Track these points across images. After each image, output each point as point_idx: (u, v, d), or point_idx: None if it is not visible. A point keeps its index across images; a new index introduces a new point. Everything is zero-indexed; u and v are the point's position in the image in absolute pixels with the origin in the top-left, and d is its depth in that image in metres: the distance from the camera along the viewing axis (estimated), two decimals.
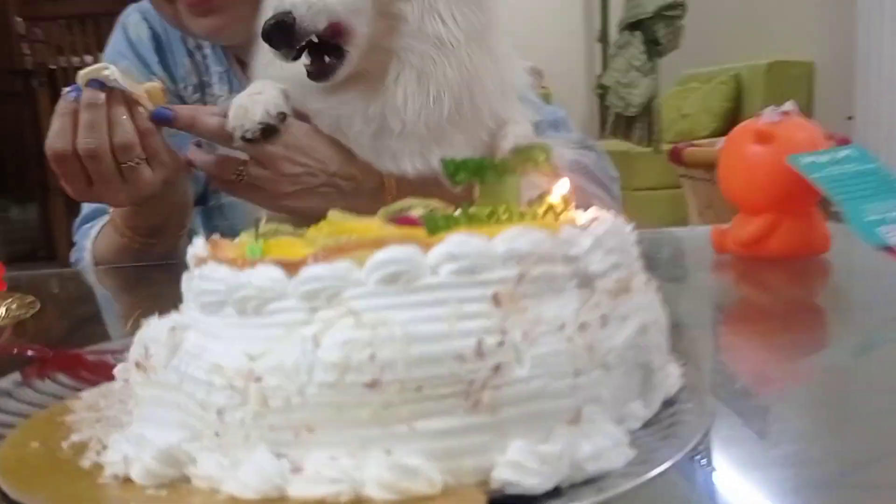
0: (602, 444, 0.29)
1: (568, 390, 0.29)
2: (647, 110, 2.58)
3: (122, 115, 0.74)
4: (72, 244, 1.03)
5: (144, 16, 1.04)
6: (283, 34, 0.67)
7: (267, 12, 0.69)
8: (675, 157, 2.50)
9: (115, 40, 1.05)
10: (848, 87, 3.57)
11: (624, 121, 2.61)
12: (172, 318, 0.33)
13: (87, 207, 1.01)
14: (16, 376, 0.41)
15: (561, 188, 0.37)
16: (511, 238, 0.30)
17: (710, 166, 2.50)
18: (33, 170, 5.28)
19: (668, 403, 0.35)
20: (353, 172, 0.77)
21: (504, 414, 0.28)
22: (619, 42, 2.60)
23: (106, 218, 0.93)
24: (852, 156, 0.72)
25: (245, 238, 0.37)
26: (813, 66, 4.27)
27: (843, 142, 2.60)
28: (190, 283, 0.33)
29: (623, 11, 2.58)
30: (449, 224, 0.33)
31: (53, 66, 3.78)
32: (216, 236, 0.38)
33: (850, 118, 3.31)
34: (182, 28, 0.97)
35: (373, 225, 0.37)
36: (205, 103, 1.01)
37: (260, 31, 0.68)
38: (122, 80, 0.73)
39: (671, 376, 0.37)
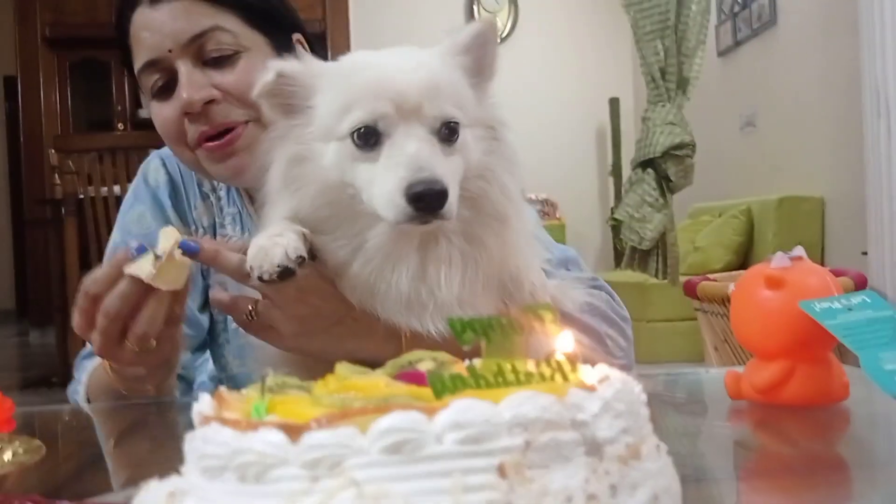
0: None
1: None
2: (662, 244, 2.61)
3: (159, 314, 0.75)
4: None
5: (164, 161, 1.09)
6: (438, 202, 0.66)
7: (397, 171, 0.67)
8: (690, 290, 2.50)
9: (136, 186, 1.10)
10: (860, 222, 3.60)
11: (639, 254, 2.64)
12: (172, 481, 0.32)
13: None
14: None
15: (566, 344, 0.37)
16: (517, 404, 0.30)
17: (724, 301, 2.50)
18: (55, 295, 5.37)
19: None
20: (366, 317, 0.76)
21: None
22: (632, 179, 2.67)
23: None
24: (867, 302, 0.72)
25: (251, 393, 0.37)
26: (823, 201, 4.34)
27: (859, 277, 2.58)
28: (192, 443, 0.32)
29: (634, 151, 2.67)
30: (455, 386, 0.33)
31: (82, 196, 3.92)
32: (222, 388, 0.38)
33: (864, 253, 3.32)
34: (202, 173, 1.01)
35: (380, 382, 0.37)
36: (215, 233, 1.05)
37: (400, 189, 0.66)
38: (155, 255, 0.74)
39: None
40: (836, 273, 2.60)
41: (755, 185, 4.97)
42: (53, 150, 4.23)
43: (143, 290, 0.73)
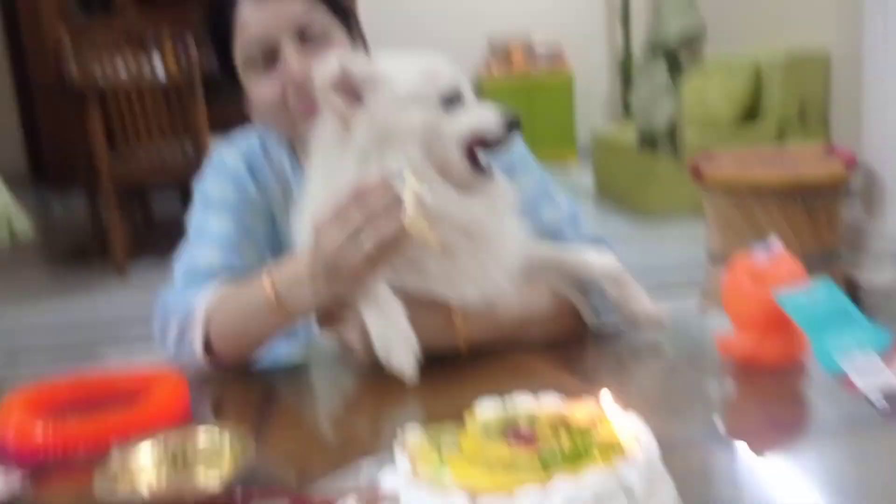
0: None
1: None
2: (672, 127, 2.79)
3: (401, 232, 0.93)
4: (132, 244, 1.22)
5: (236, 149, 1.30)
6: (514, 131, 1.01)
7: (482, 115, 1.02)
8: (695, 174, 2.71)
9: (212, 166, 1.29)
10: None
11: (650, 137, 2.83)
12: None
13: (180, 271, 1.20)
14: None
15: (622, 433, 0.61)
16: (593, 478, 0.56)
17: (727, 185, 2.71)
18: (78, 157, 5.54)
19: None
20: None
21: None
22: (643, 65, 2.80)
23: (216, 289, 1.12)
24: (824, 292, 0.96)
25: (425, 450, 0.62)
26: (829, 57, 4.41)
27: (849, 157, 2.77)
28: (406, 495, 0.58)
29: (648, 37, 2.78)
30: (555, 461, 0.58)
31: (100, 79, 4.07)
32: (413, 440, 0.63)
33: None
34: (292, 132, 1.22)
35: (503, 448, 0.62)
36: (287, 205, 1.21)
37: (501, 120, 1.00)
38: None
39: None
40: (830, 151, 2.80)
41: (764, 38, 5.00)
42: (68, 38, 4.31)
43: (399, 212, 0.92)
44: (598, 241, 1.22)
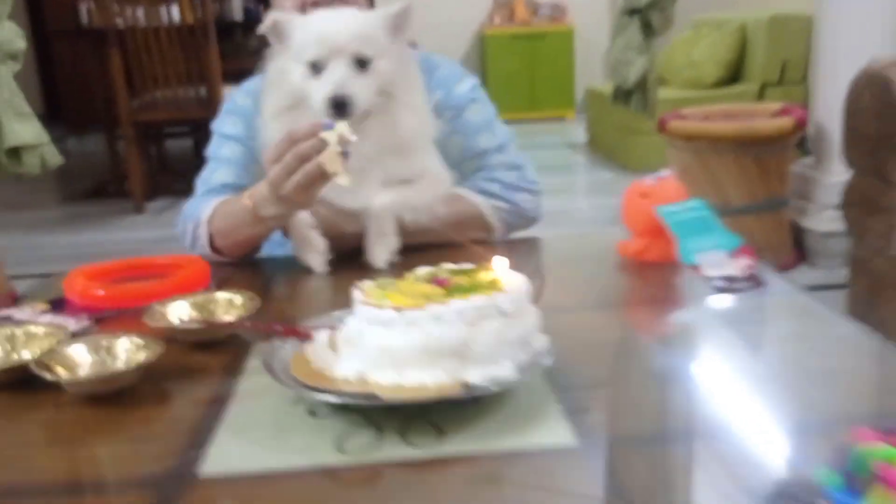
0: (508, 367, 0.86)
1: (495, 350, 0.85)
2: (643, 83, 3.05)
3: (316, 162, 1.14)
4: (149, 184, 1.50)
5: (248, 92, 1.58)
6: (346, 106, 1.19)
7: (324, 89, 1.20)
8: (661, 127, 2.98)
9: (227, 107, 1.58)
10: None
11: (623, 92, 3.09)
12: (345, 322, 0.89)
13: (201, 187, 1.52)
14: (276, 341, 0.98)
15: (498, 269, 0.92)
16: (479, 301, 0.86)
17: (688, 138, 2.98)
18: (96, 100, 5.78)
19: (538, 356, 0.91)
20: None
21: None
22: (619, 24, 3.05)
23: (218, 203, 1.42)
24: (695, 206, 1.25)
25: (373, 289, 0.93)
26: (812, 19, 4.62)
27: (801, 116, 3.05)
28: (358, 307, 0.89)
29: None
30: (456, 291, 0.88)
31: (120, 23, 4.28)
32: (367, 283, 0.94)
33: None
34: None
35: (427, 288, 0.92)
36: None
37: (326, 98, 1.19)
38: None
39: (540, 342, 0.92)
40: (784, 111, 3.05)
41: (749, 4, 5.19)
42: None
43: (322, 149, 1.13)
44: (514, 166, 1.53)
